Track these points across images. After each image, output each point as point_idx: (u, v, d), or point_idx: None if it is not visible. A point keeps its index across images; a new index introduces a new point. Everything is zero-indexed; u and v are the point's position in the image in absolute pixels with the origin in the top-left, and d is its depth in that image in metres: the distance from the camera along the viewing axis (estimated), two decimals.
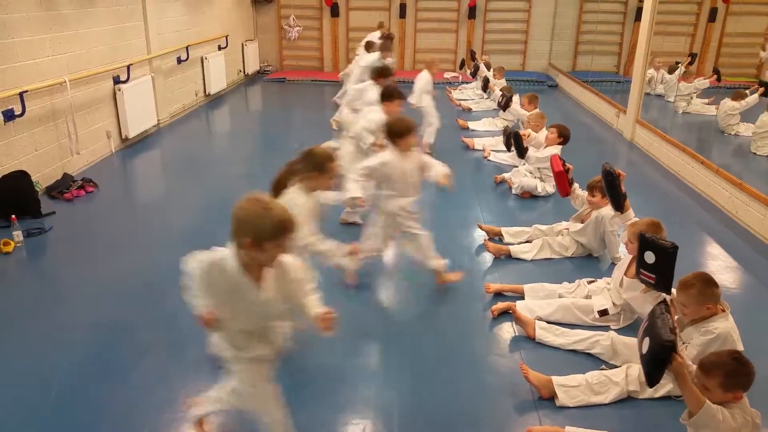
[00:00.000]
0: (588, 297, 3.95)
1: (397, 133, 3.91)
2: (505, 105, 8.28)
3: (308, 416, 2.99)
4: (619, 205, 4.23)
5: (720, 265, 4.80)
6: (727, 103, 8.34)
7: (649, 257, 3.21)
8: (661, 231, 3.52)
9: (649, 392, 3.11)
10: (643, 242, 3.26)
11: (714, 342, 2.95)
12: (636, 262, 3.37)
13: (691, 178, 6.65)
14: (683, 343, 3.04)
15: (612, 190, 4.21)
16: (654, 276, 3.22)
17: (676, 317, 3.17)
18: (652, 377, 2.54)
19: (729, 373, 2.44)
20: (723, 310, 3.03)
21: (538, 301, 3.96)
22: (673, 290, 3.18)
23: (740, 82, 9.79)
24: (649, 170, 7.27)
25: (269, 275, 2.31)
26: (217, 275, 2.28)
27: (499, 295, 4.14)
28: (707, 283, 2.99)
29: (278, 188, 3.24)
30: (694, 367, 2.65)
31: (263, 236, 2.15)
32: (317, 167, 3.27)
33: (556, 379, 3.13)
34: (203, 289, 2.33)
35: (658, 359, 2.46)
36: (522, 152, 6.14)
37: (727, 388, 2.45)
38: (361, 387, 3.25)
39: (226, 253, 2.26)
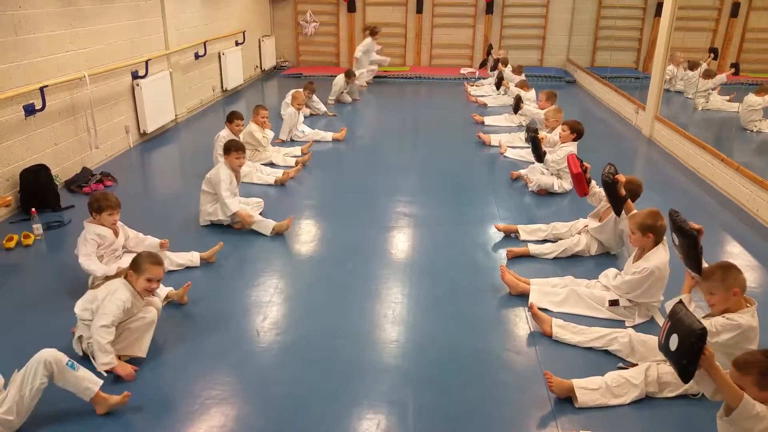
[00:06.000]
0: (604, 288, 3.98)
1: None
2: (515, 108, 8.23)
3: (323, 410, 3.00)
4: (618, 210, 4.22)
5: (741, 264, 4.65)
6: (750, 98, 8.20)
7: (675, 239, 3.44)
8: (662, 219, 3.65)
9: (667, 392, 3.10)
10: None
11: (733, 330, 2.92)
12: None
13: (711, 176, 6.56)
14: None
15: (611, 195, 4.21)
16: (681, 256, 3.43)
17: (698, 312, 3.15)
18: (687, 371, 2.50)
19: (764, 371, 2.41)
20: (749, 305, 3.00)
21: (550, 288, 4.00)
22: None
23: (763, 78, 9.62)
24: (668, 168, 7.18)
25: None
26: None
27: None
28: (729, 267, 3.00)
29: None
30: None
31: None
32: (134, 266, 3.29)
33: (576, 382, 3.09)
34: None
35: (693, 348, 2.44)
36: (541, 157, 6.07)
37: (763, 386, 2.42)
38: (375, 382, 3.25)
39: None
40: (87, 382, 2.87)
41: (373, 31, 11.38)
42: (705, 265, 3.24)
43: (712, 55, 10.57)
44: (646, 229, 3.68)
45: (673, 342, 2.55)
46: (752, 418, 2.37)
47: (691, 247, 3.23)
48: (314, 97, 9.09)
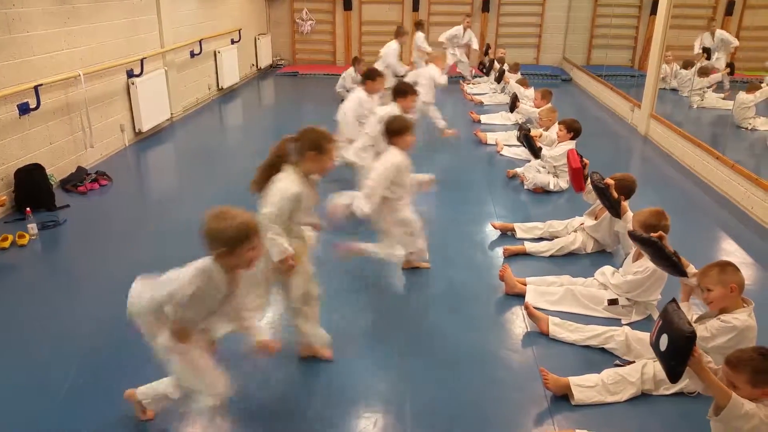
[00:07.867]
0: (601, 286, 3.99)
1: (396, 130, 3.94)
2: (511, 106, 8.24)
3: (321, 409, 3.00)
4: (616, 213, 4.21)
5: (735, 261, 4.68)
6: (741, 96, 8.22)
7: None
8: (666, 219, 3.58)
9: (662, 390, 3.11)
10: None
11: (729, 332, 2.91)
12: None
13: (706, 174, 6.58)
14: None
15: (605, 200, 4.21)
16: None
17: (694, 315, 3.16)
18: (675, 372, 2.52)
19: (756, 368, 2.42)
20: (746, 305, 3.00)
21: (546, 288, 4.00)
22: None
23: (757, 76, 9.65)
24: (663, 165, 7.20)
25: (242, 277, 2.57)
26: (207, 284, 2.42)
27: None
28: (725, 264, 3.00)
29: (269, 173, 3.03)
30: (710, 359, 2.62)
31: (234, 243, 2.36)
32: (315, 147, 3.02)
33: (573, 380, 3.10)
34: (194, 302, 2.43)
35: (681, 351, 2.45)
36: (537, 153, 6.07)
37: (756, 384, 2.42)
38: (372, 381, 3.25)
39: (208, 263, 2.43)
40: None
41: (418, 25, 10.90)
42: (693, 268, 3.25)
43: (705, 54, 10.59)
44: (650, 228, 3.67)
45: (663, 342, 2.56)
46: (741, 417, 2.38)
47: (657, 254, 3.25)
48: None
